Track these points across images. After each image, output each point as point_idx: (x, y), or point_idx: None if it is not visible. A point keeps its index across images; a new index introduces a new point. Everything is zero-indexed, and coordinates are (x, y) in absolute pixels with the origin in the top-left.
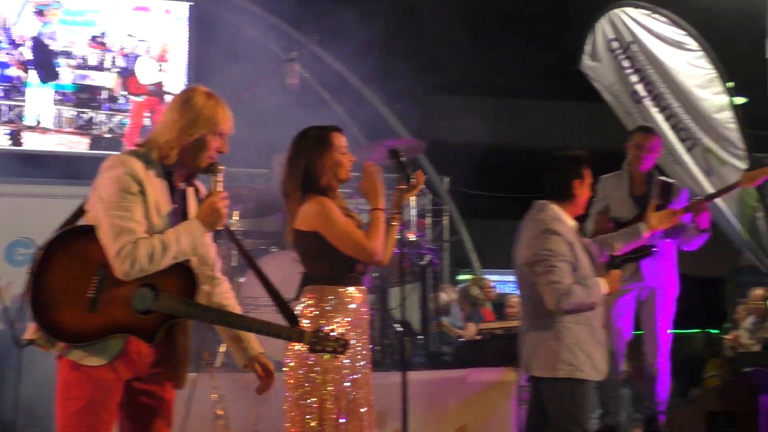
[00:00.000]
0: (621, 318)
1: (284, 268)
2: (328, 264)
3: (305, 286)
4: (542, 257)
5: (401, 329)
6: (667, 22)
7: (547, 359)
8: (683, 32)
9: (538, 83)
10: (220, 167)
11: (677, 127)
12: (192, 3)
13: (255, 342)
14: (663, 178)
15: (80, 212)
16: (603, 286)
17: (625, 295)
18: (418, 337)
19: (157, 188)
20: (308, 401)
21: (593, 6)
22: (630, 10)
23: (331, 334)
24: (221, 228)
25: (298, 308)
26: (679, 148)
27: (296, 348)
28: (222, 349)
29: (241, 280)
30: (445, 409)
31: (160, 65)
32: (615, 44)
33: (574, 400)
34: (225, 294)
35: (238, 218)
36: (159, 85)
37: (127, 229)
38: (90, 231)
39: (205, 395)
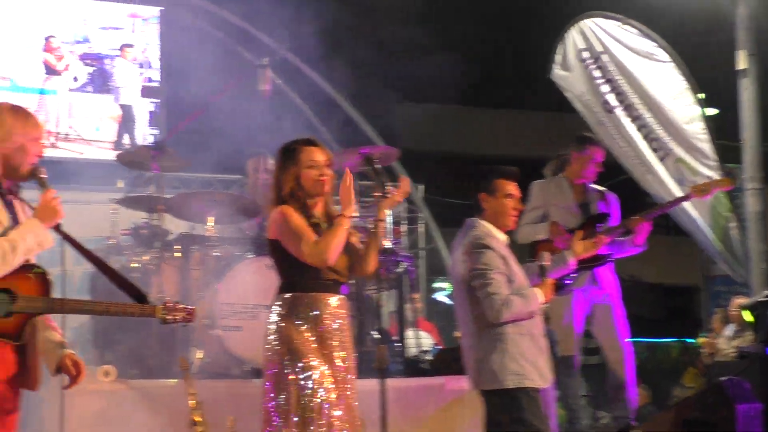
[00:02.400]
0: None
1: (259, 274)
2: (294, 271)
3: (279, 294)
4: (478, 271)
5: (378, 336)
6: (637, 33)
7: (494, 372)
8: (654, 43)
9: (512, 93)
10: (41, 169)
11: (649, 137)
12: (162, 8)
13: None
14: (594, 185)
15: None
16: (539, 295)
17: (577, 300)
18: (395, 344)
19: None
20: (288, 408)
21: (564, 16)
22: (600, 21)
23: (179, 304)
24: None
25: (272, 317)
26: (651, 157)
27: (270, 353)
28: (199, 355)
29: (218, 285)
30: (423, 417)
31: None
32: (585, 54)
33: (526, 409)
34: None
35: (213, 224)
36: None
37: None
38: None
39: (183, 402)
